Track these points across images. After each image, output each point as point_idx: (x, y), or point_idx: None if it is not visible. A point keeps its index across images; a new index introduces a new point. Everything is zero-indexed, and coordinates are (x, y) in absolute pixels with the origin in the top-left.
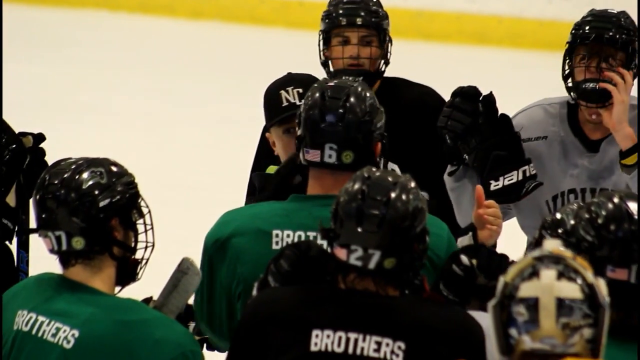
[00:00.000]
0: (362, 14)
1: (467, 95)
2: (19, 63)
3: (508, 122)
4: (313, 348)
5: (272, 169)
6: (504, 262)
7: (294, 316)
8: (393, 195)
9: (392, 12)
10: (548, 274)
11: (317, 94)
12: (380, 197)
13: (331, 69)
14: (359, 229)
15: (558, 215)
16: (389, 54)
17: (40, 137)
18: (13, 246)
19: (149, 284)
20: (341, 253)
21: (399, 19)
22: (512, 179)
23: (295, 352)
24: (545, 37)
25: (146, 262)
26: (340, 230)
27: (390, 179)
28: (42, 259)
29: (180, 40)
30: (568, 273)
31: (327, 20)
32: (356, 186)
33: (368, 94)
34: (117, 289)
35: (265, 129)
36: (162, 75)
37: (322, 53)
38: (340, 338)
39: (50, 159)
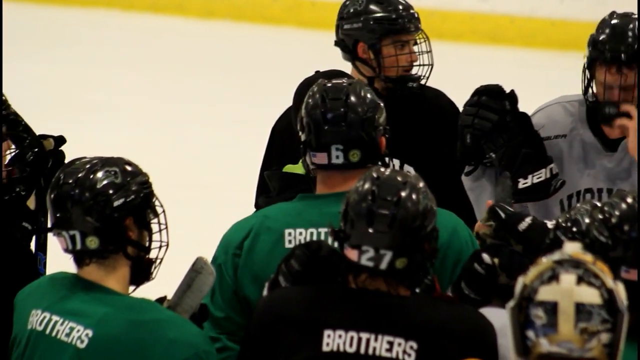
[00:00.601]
0: (417, 17)
1: (493, 93)
2: (29, 62)
3: (529, 121)
4: (325, 348)
5: (288, 168)
6: (525, 261)
7: (305, 316)
8: (403, 194)
9: None
10: (568, 279)
11: (317, 96)
12: (390, 197)
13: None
14: (370, 230)
15: (572, 216)
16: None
17: (61, 140)
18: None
19: (162, 284)
20: (352, 254)
21: None
22: (540, 177)
23: (307, 353)
24: (557, 36)
25: (160, 262)
26: (350, 231)
27: (399, 178)
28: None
29: (191, 39)
30: (588, 278)
31: (391, 25)
32: (366, 186)
33: (366, 91)
34: (131, 288)
35: (275, 128)
36: (173, 74)
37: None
38: (352, 338)
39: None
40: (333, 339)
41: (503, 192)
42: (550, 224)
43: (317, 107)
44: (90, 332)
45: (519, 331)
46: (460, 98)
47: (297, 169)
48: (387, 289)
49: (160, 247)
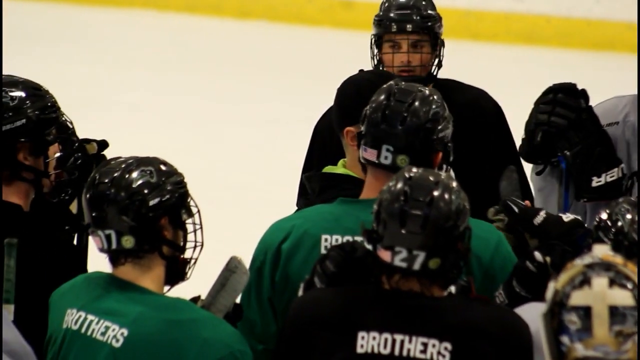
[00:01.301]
0: (414, 18)
1: (569, 91)
2: (66, 63)
3: (599, 120)
4: (359, 350)
5: (328, 169)
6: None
7: (339, 318)
8: (435, 194)
9: (440, 11)
10: (600, 282)
11: (384, 95)
12: (422, 197)
13: None
14: (403, 231)
15: (612, 216)
16: (441, 56)
17: (103, 144)
18: None
19: (197, 284)
20: (385, 255)
21: (447, 19)
22: (613, 176)
23: (341, 354)
24: (593, 36)
25: (195, 262)
26: (383, 232)
27: (431, 178)
28: (99, 259)
29: (227, 39)
30: (620, 280)
31: (379, 25)
32: (398, 186)
33: (436, 101)
34: (166, 288)
35: (316, 128)
36: (209, 74)
37: (374, 57)
38: (386, 340)
39: None
40: (367, 341)
41: (509, 186)
42: (565, 218)
43: (380, 104)
44: (125, 332)
45: (553, 337)
46: (496, 98)
47: (337, 169)
48: (420, 289)
49: (195, 247)
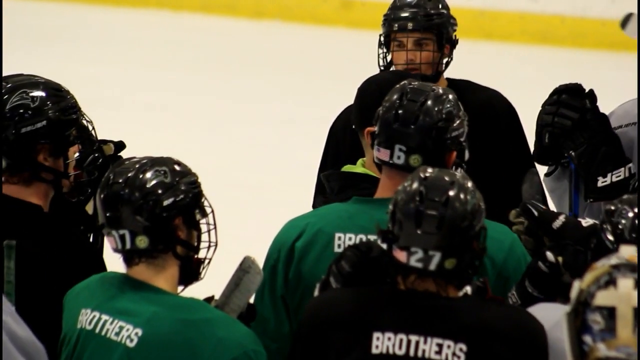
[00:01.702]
0: (416, 17)
1: (573, 91)
2: (81, 63)
3: (608, 120)
4: (374, 351)
5: (348, 168)
6: (589, 260)
7: (354, 319)
8: (451, 194)
9: (454, 11)
10: (625, 283)
11: (397, 95)
12: (438, 197)
13: None
14: (419, 231)
15: (615, 219)
16: (450, 55)
17: (121, 145)
18: None
19: (211, 284)
20: (401, 255)
21: (462, 18)
22: (619, 176)
23: (356, 355)
24: (608, 36)
25: (209, 262)
26: (399, 232)
27: (447, 178)
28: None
29: (242, 39)
30: None
31: (384, 25)
32: (414, 186)
33: (449, 101)
34: (180, 288)
35: (332, 129)
36: (223, 74)
37: (382, 56)
38: (401, 340)
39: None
40: (382, 342)
41: (531, 189)
42: (584, 222)
43: (393, 103)
44: (139, 331)
45: (575, 336)
46: (510, 98)
47: (356, 169)
48: (436, 289)
49: (209, 247)
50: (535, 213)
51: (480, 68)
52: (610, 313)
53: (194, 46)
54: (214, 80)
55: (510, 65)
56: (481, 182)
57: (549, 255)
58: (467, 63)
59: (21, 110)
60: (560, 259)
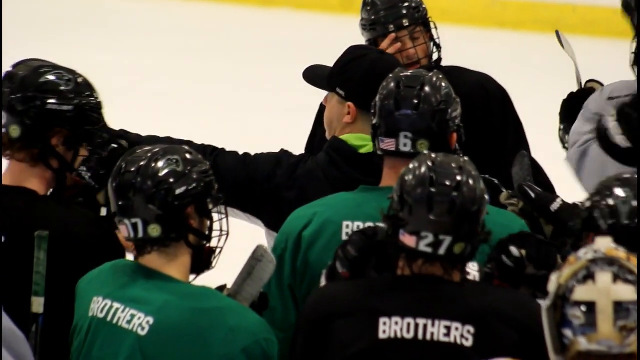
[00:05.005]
0: (405, 13)
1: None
2: (91, 50)
3: None
4: (382, 335)
5: (351, 139)
6: (552, 251)
7: (358, 307)
8: (460, 180)
9: None
10: (604, 278)
11: (392, 84)
12: (449, 182)
13: None
14: (431, 216)
15: (606, 199)
16: (437, 40)
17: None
18: None
19: (223, 273)
20: (410, 240)
21: (473, 7)
22: None
23: (364, 342)
24: (620, 24)
25: (221, 251)
26: (408, 218)
27: (454, 164)
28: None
29: (251, 27)
30: (623, 275)
31: (374, 30)
32: (422, 171)
33: (443, 84)
34: (192, 277)
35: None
36: (234, 62)
37: None
38: (409, 324)
39: None
40: (389, 326)
41: (522, 171)
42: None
43: (390, 93)
44: (151, 320)
45: (555, 330)
46: (522, 86)
47: (353, 141)
48: (442, 273)
49: (221, 235)
50: (533, 195)
51: (491, 56)
52: (589, 308)
53: (204, 34)
54: (224, 68)
55: (522, 54)
56: (475, 165)
57: (513, 249)
58: (478, 51)
59: (53, 88)
60: (523, 252)
